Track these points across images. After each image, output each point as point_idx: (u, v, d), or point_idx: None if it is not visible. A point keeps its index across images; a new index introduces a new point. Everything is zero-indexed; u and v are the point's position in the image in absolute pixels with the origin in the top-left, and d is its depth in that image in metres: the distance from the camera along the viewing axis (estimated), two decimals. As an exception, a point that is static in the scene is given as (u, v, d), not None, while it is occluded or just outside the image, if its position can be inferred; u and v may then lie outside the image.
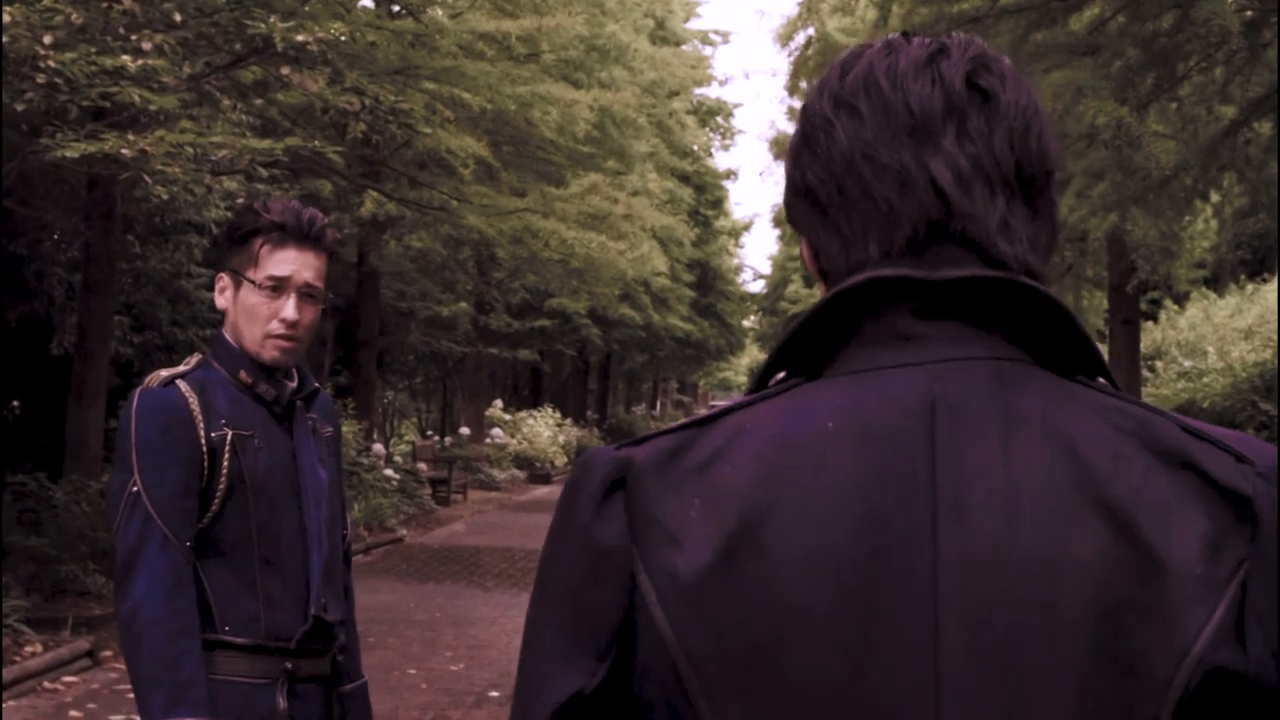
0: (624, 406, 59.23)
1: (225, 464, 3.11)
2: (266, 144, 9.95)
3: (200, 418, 3.11)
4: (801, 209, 1.29)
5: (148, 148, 8.81)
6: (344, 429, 18.39)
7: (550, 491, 29.22)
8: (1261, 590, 1.12)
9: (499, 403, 34.25)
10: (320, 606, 3.19)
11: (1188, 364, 27.33)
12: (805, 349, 1.25)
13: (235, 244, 3.23)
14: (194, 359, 3.27)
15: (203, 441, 3.10)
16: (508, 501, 26.31)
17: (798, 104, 35.06)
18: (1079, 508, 1.12)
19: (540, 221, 16.50)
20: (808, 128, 1.28)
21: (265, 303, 3.19)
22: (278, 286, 3.18)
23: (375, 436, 24.71)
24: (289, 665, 3.15)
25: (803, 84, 21.39)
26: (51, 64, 8.65)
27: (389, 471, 21.33)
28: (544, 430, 34.06)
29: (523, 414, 34.86)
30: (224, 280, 3.26)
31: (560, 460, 33.83)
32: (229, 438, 3.13)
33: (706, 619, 1.14)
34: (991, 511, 1.12)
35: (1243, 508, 1.13)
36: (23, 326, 14.24)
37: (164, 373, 3.19)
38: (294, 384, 3.29)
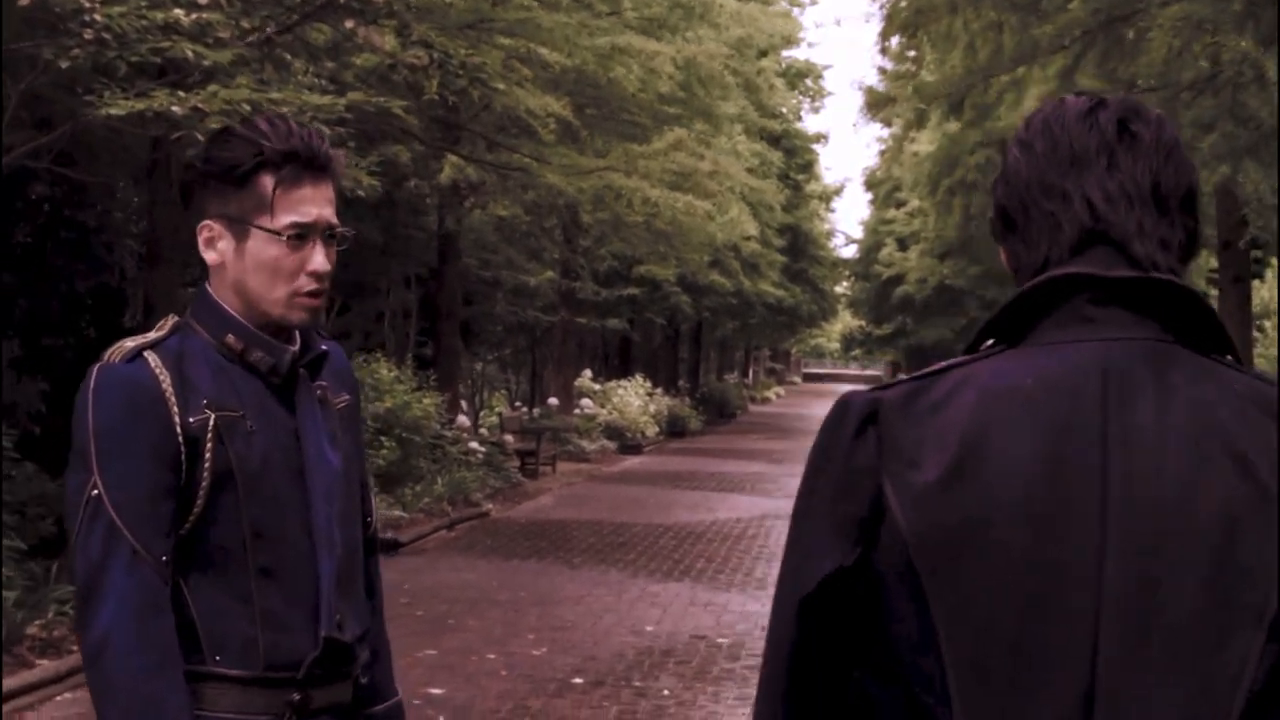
0: (715, 374, 58.58)
1: (208, 454, 2.48)
2: (328, 100, 9.37)
3: (174, 398, 2.48)
4: (999, 224, 1.79)
5: (201, 104, 8.28)
6: (426, 401, 17.95)
7: (641, 462, 28.64)
8: None
9: (588, 372, 33.72)
10: (333, 624, 2.59)
11: (1299, 323, 26.38)
12: (1009, 323, 1.70)
13: (233, 184, 2.59)
14: (168, 323, 2.62)
15: (178, 428, 2.47)
16: (597, 473, 25.71)
17: (889, 65, 34.09)
18: (1212, 453, 1.58)
19: (623, 180, 15.87)
20: (1004, 163, 1.76)
21: (288, 254, 2.53)
22: (303, 234, 2.56)
23: (464, 409, 24.27)
24: (296, 697, 2.53)
25: (893, 41, 20.31)
26: (99, 18, 8.17)
27: (474, 444, 20.86)
28: (634, 400, 33.50)
29: (612, 384, 34.32)
30: (215, 229, 2.57)
31: (651, 430, 33.23)
32: (211, 421, 2.50)
33: (932, 518, 1.60)
34: (1147, 451, 1.58)
35: None
36: (94, 299, 13.90)
37: (129, 343, 2.53)
38: (295, 347, 2.66)
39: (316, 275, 2.57)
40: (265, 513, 2.53)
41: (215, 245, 2.60)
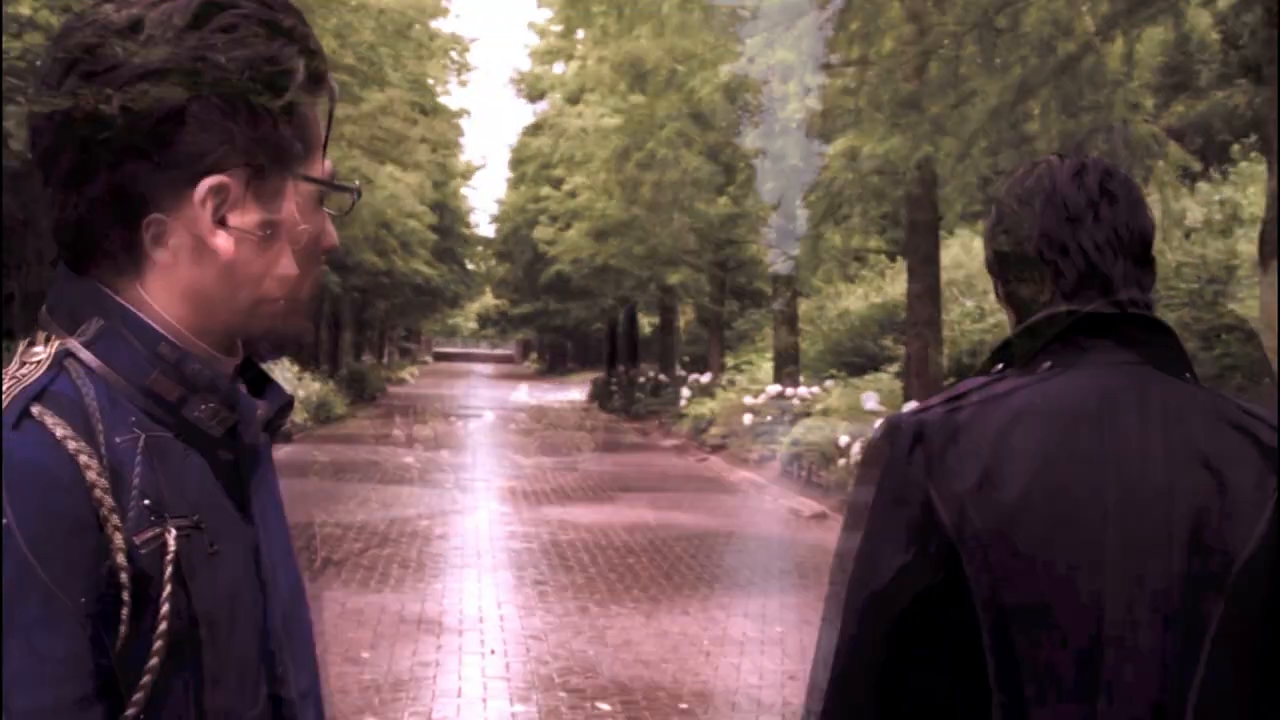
0: (353, 355, 55.53)
1: (166, 602, 1.56)
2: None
3: (109, 500, 1.51)
4: (998, 267, 2.25)
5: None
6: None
7: (295, 451, 24.34)
8: None
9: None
10: (277, 681, 2.17)
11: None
12: (1017, 350, 2.17)
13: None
14: (91, 325, 2.04)
15: (120, 556, 1.52)
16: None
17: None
18: (1186, 458, 2.02)
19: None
20: (1001, 213, 2.22)
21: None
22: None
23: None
24: None
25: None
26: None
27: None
28: (284, 384, 31.10)
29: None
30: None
31: (300, 416, 28.98)
32: (171, 542, 1.56)
33: (969, 515, 2.00)
34: (1135, 458, 2.02)
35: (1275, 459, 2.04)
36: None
37: (8, 382, 1.58)
38: (238, 359, 2.20)
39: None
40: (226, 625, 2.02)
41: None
